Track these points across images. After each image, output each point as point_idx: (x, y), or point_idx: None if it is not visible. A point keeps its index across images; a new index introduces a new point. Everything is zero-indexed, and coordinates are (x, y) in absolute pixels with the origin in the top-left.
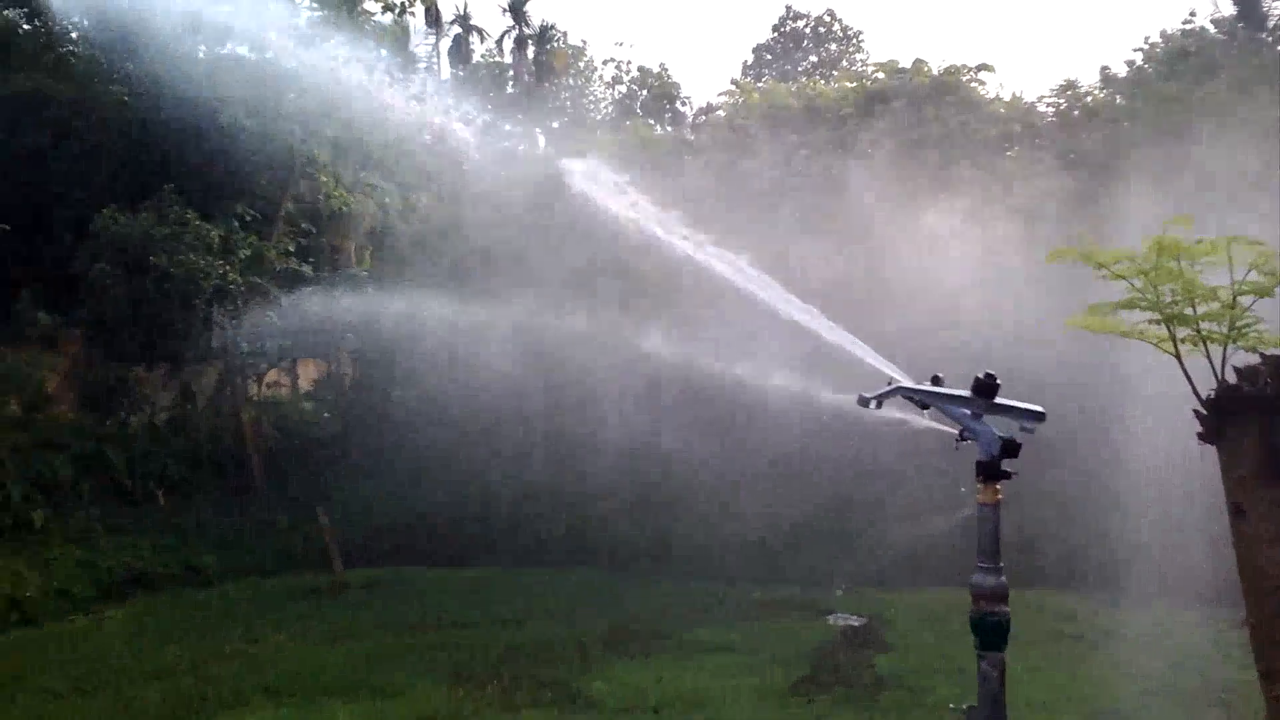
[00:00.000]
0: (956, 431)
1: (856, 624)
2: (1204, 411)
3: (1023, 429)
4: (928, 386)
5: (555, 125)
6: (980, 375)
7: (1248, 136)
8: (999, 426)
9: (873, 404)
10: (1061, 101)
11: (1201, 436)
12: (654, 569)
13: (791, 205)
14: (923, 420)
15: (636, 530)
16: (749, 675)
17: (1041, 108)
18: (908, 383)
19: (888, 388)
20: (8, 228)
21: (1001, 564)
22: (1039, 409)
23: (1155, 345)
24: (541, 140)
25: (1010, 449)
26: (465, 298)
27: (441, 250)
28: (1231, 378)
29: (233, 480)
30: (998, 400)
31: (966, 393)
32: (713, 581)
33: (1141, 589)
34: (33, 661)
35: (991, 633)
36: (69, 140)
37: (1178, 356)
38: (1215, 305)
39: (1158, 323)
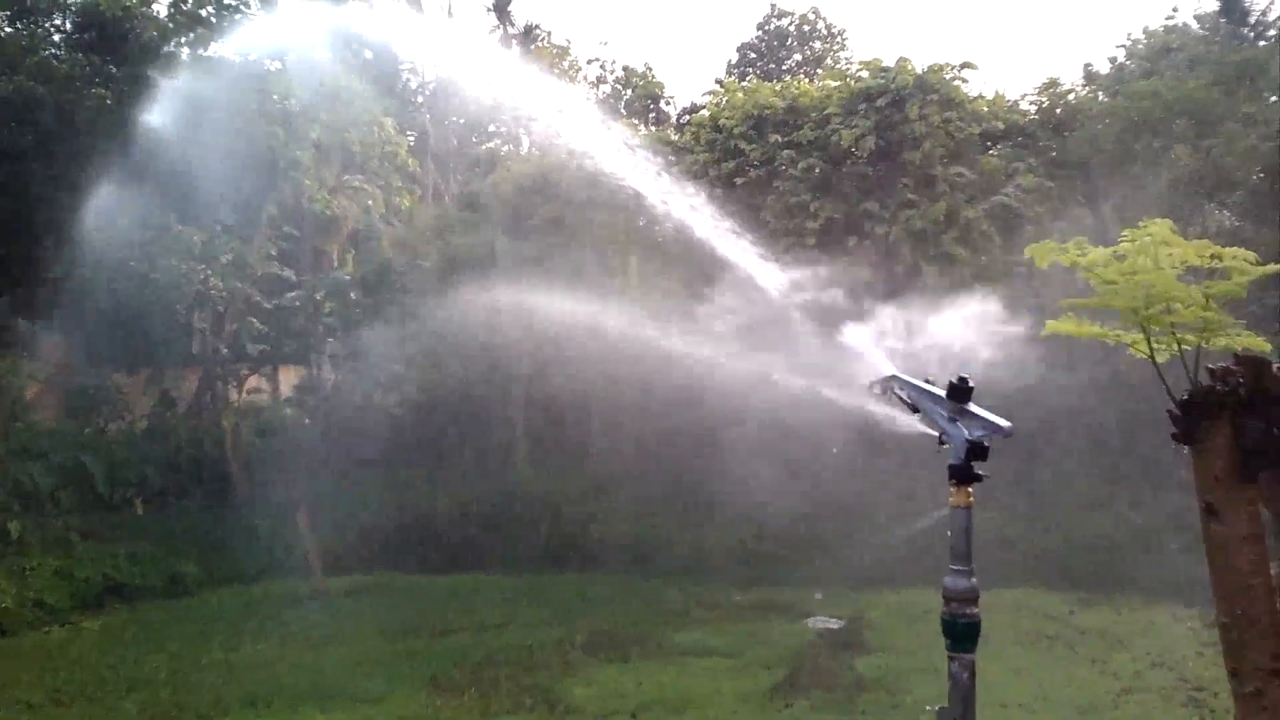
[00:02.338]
0: (938, 434)
1: (836, 626)
2: (1177, 412)
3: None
4: (916, 380)
5: (539, 126)
6: (955, 379)
7: (1229, 133)
8: (973, 429)
9: (875, 388)
10: (1044, 100)
11: (1175, 437)
12: (637, 572)
13: (775, 204)
14: (912, 421)
15: (619, 534)
16: (729, 678)
17: (1025, 105)
18: (904, 376)
19: (884, 376)
20: None
21: (973, 566)
22: (1005, 425)
23: (1131, 348)
24: (526, 141)
25: (977, 452)
26: (449, 300)
27: (424, 253)
28: (1205, 379)
29: (213, 487)
30: (968, 407)
31: (941, 393)
32: (694, 584)
33: (1118, 588)
34: (8, 673)
35: (963, 634)
36: (51, 143)
37: (1152, 358)
38: (1191, 307)
39: (1132, 325)
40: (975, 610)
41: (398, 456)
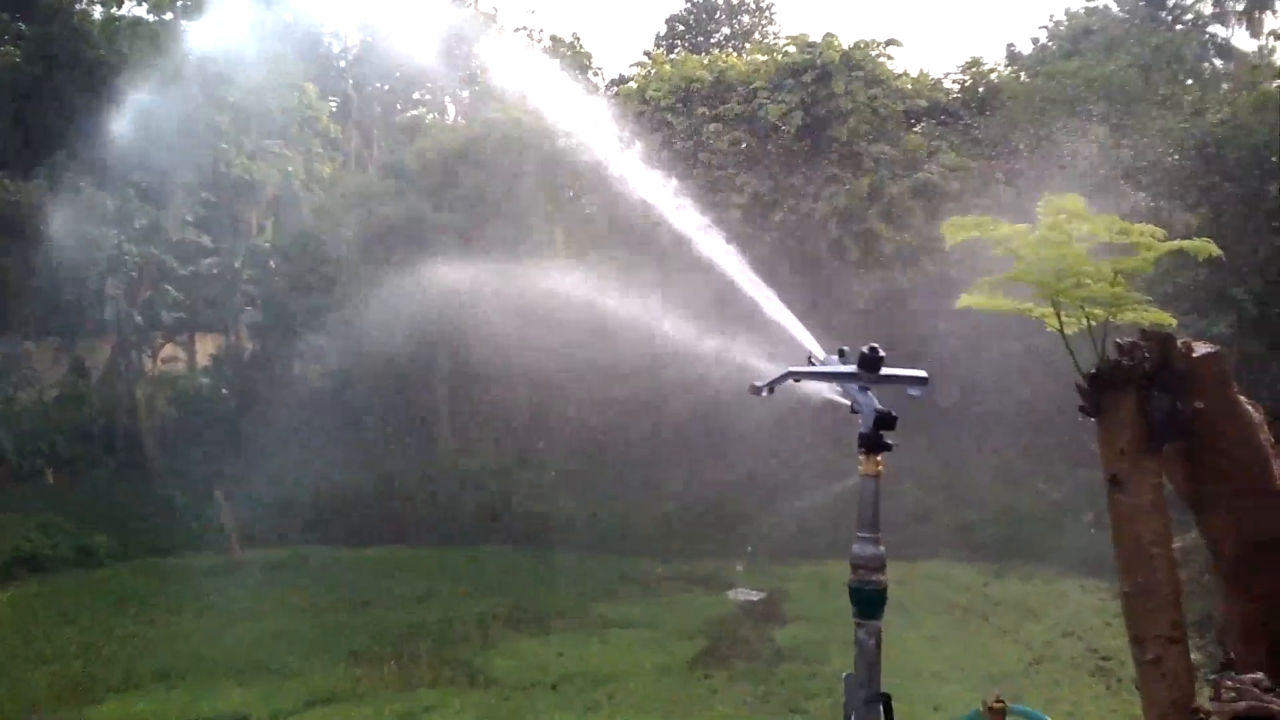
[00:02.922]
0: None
1: (756, 598)
2: (1085, 386)
3: (911, 394)
4: (816, 368)
5: (465, 94)
6: (864, 350)
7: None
8: (889, 398)
9: (764, 392)
10: (967, 78)
11: (1083, 410)
12: (560, 545)
13: (701, 178)
14: (828, 394)
15: (543, 506)
16: (650, 651)
17: (948, 84)
18: (814, 366)
19: (779, 374)
20: None
21: (879, 534)
22: (922, 374)
23: (1044, 322)
24: (452, 110)
25: (885, 421)
26: (372, 270)
27: (346, 221)
28: (1113, 354)
29: (127, 458)
30: (883, 372)
31: (852, 369)
32: (618, 558)
33: (1031, 560)
34: None
35: (869, 601)
36: None
37: (1061, 332)
38: (1100, 283)
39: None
40: (882, 578)
41: (319, 428)
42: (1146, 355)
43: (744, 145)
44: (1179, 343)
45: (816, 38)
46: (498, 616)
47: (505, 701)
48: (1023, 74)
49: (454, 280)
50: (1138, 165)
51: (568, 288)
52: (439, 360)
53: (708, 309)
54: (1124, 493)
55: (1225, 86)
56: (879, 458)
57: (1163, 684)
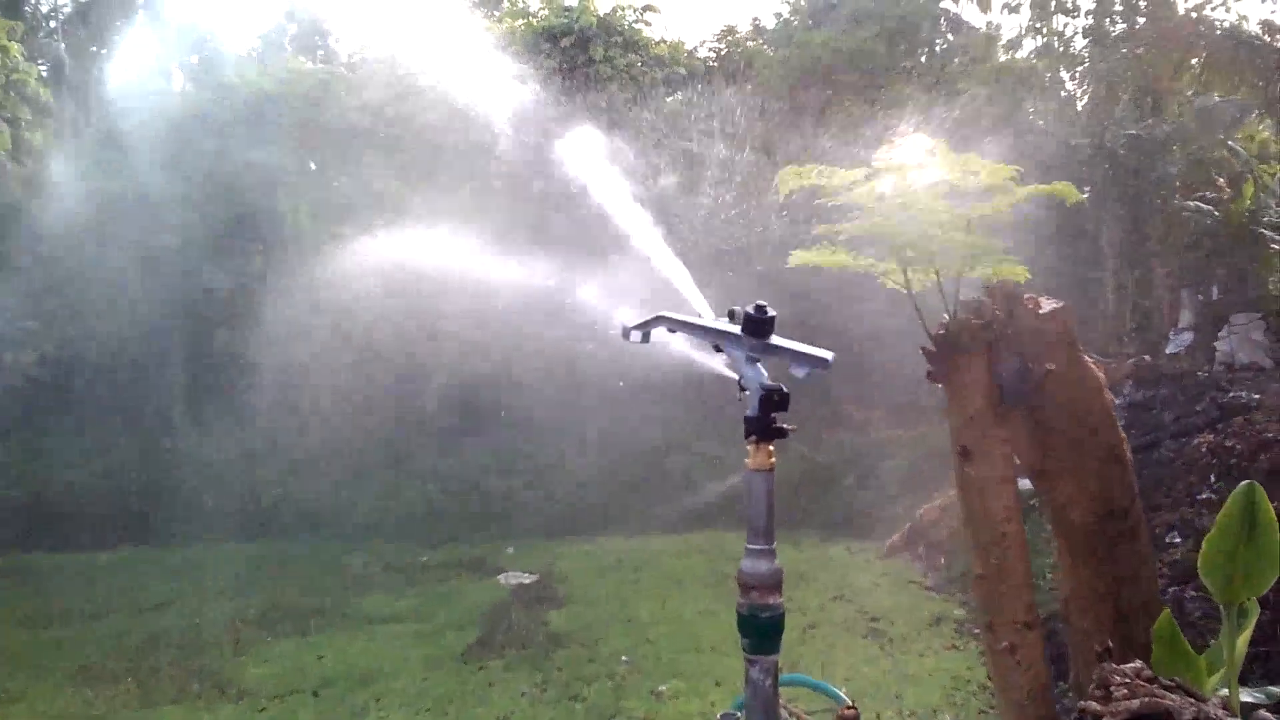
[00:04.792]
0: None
1: (528, 581)
2: (932, 349)
3: (795, 374)
4: (692, 318)
5: (196, 60)
6: (752, 308)
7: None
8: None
9: (634, 335)
10: (723, 47)
11: (930, 375)
12: (314, 537)
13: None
14: (714, 364)
15: (295, 496)
16: (418, 644)
17: (704, 52)
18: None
19: (650, 318)
20: None
21: (775, 545)
22: (825, 354)
23: (888, 280)
24: (180, 78)
25: (776, 401)
26: (97, 248)
27: (63, 195)
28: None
29: None
30: (773, 341)
31: (735, 329)
32: (379, 546)
33: (799, 526)
34: None
35: (764, 631)
36: None
37: (907, 289)
38: (954, 233)
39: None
40: (779, 600)
41: (35, 422)
42: (996, 312)
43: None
44: (1026, 297)
45: (572, 1)
46: (248, 619)
47: (260, 713)
48: (768, 47)
49: (189, 255)
50: (888, 133)
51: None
52: (174, 345)
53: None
54: (973, 464)
55: (957, 60)
56: (771, 447)
57: (1019, 671)
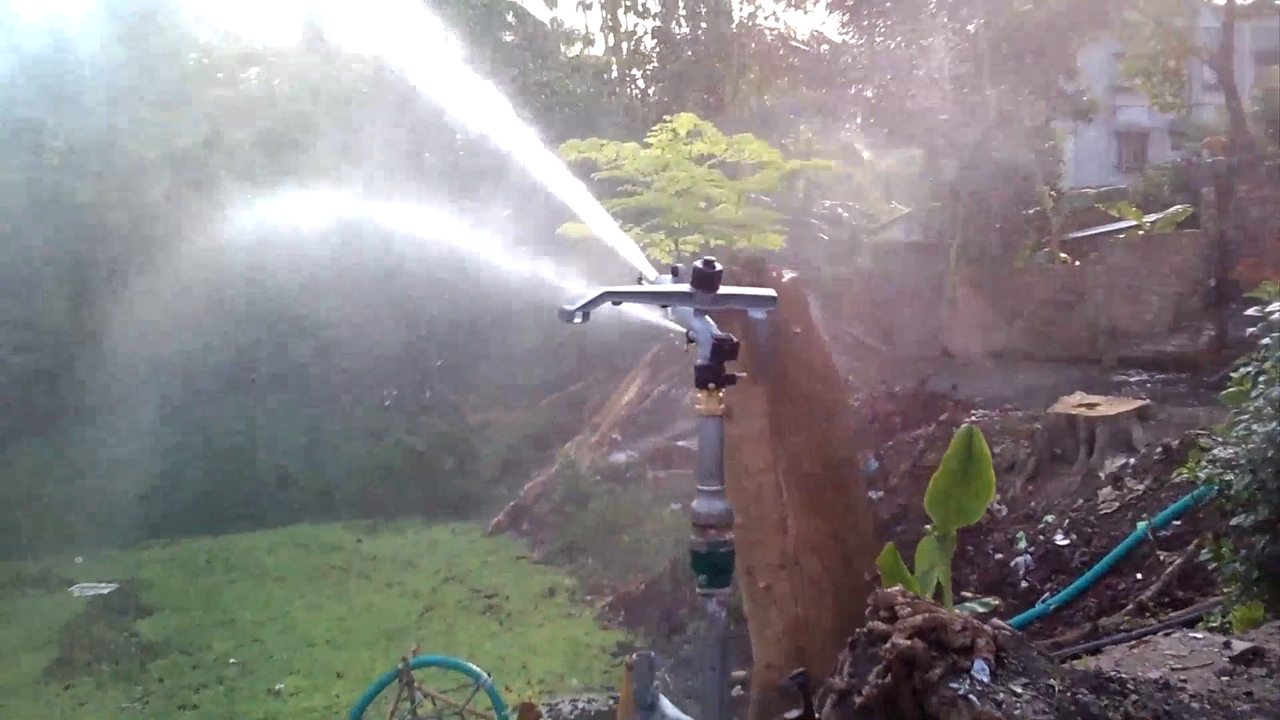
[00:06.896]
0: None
1: (106, 590)
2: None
3: (755, 317)
4: (639, 287)
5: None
6: (700, 264)
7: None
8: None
9: (576, 317)
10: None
11: (690, 338)
12: None
13: None
14: (662, 321)
15: None
16: None
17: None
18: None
19: (596, 295)
20: None
21: (724, 487)
22: (770, 293)
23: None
24: None
25: (726, 350)
26: None
27: None
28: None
29: None
30: (721, 291)
31: (685, 288)
32: None
33: (400, 512)
34: None
35: (719, 566)
36: None
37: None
38: (726, 205)
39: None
40: (731, 535)
41: None
42: (746, 279)
43: None
44: (770, 266)
45: None
46: None
47: None
48: None
49: None
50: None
51: None
52: None
53: None
54: (732, 421)
55: (527, 53)
56: (721, 393)
57: (774, 609)
